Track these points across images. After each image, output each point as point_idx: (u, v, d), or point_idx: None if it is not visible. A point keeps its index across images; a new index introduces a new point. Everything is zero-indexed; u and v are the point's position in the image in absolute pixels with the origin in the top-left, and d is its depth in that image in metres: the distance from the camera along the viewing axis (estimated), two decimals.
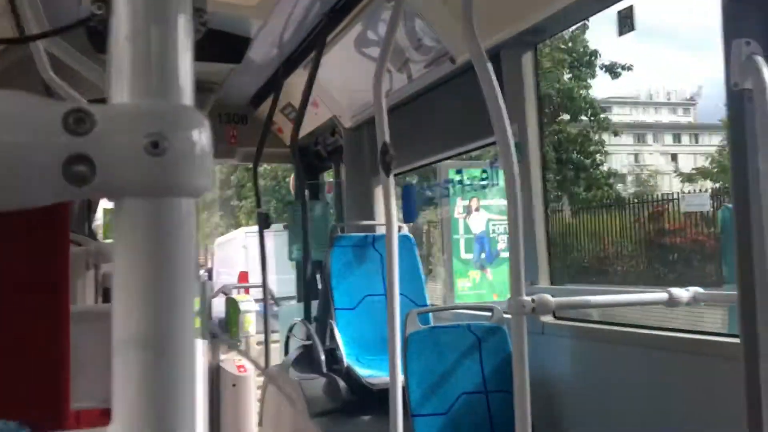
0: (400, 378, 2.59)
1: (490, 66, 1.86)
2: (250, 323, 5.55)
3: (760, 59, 1.60)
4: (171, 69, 0.43)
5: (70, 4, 2.55)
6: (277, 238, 7.28)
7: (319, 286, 4.48)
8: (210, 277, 12.75)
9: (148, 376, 0.39)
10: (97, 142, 0.40)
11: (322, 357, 3.77)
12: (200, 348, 4.87)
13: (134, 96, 0.42)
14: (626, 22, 2.64)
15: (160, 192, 0.41)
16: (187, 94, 0.43)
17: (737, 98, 1.66)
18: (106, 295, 2.86)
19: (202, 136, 0.42)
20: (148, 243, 0.40)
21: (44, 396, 1.40)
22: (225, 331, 5.42)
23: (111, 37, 0.42)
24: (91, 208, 6.08)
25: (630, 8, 2.62)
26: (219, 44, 4.07)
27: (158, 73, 0.42)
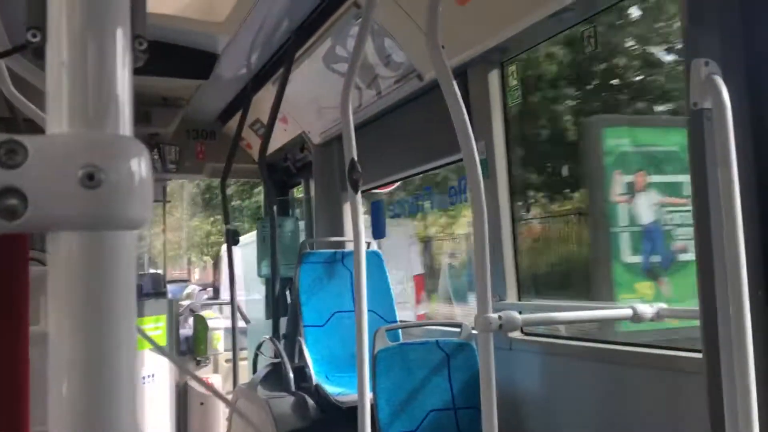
0: (369, 395, 2.58)
1: (455, 84, 1.87)
2: (219, 340, 5.49)
3: (718, 79, 1.63)
4: (108, 99, 0.41)
5: None
6: (244, 249, 7.11)
7: (288, 303, 4.45)
8: (217, 295, 12.40)
9: (84, 406, 0.39)
10: (29, 175, 0.38)
11: (291, 375, 3.74)
12: (167, 367, 4.79)
13: (70, 126, 0.41)
14: (590, 41, 2.69)
15: (96, 225, 0.40)
16: (125, 124, 0.42)
17: (697, 117, 1.69)
18: None
19: (140, 167, 0.41)
20: (84, 277, 0.39)
21: (2, 420, 1.36)
22: (192, 349, 5.35)
23: (47, 65, 0.42)
24: None
25: (593, 28, 2.67)
26: (186, 60, 4.05)
27: (94, 103, 0.41)
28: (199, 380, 4.62)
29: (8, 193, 0.38)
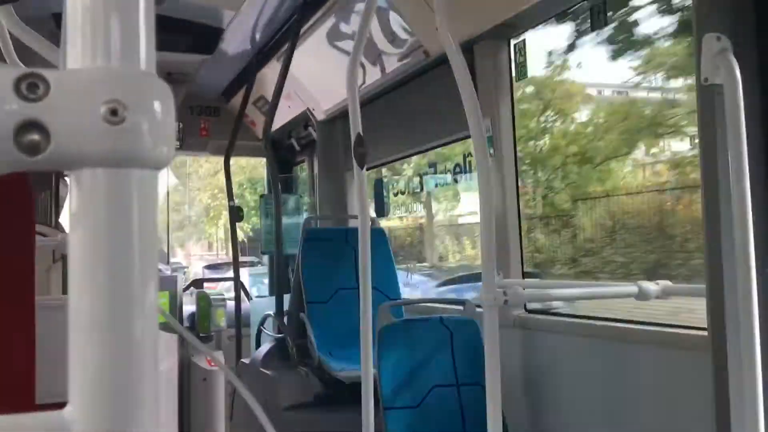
0: (372, 371, 2.58)
1: (463, 59, 1.86)
2: (222, 317, 5.51)
3: (730, 55, 1.62)
4: (131, 34, 0.40)
5: None
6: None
7: (292, 280, 4.46)
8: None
9: (106, 358, 0.38)
10: (51, 109, 0.38)
11: (294, 351, 3.76)
12: (171, 342, 4.81)
13: (91, 61, 0.40)
14: (599, 17, 2.66)
15: (120, 162, 0.39)
16: (149, 61, 0.41)
17: (707, 93, 1.67)
18: None
19: (164, 105, 0.40)
20: (107, 216, 0.38)
21: (8, 390, 1.37)
22: (196, 325, 5.37)
23: (66, 2, 0.40)
24: (57, 200, 5.98)
25: (603, 3, 2.64)
26: (190, 35, 4.03)
27: (117, 38, 0.40)
28: (211, 354, 4.64)
29: (30, 127, 0.37)
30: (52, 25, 1.97)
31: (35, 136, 0.37)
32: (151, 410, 0.39)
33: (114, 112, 0.38)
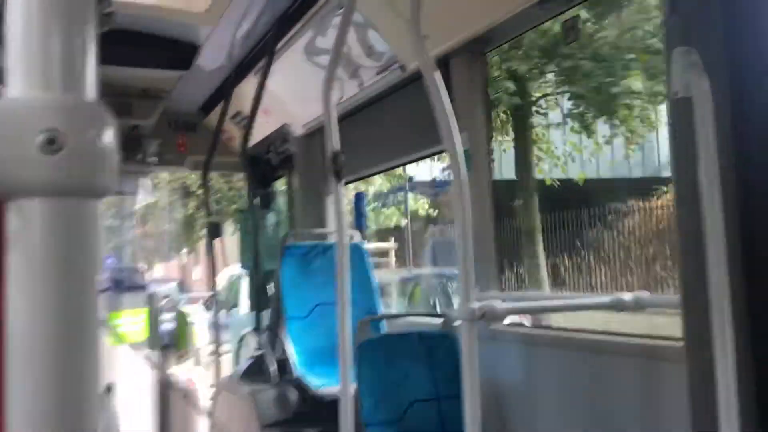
0: (352, 387, 2.57)
1: (438, 74, 1.86)
2: (200, 335, 5.46)
3: (700, 68, 1.64)
4: (70, 61, 0.40)
5: None
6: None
7: (271, 295, 4.43)
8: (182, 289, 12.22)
9: (45, 384, 0.37)
10: None
11: (273, 367, 3.73)
12: (150, 359, 4.76)
13: (30, 90, 0.39)
14: (571, 32, 2.69)
15: (57, 192, 0.38)
16: (89, 89, 0.41)
17: (678, 107, 1.69)
18: None
19: (104, 134, 0.39)
20: (46, 245, 0.38)
21: None
22: (174, 343, 5.32)
23: (7, 26, 0.40)
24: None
25: (576, 18, 2.66)
26: (167, 51, 4.01)
27: (57, 66, 0.39)
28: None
29: None
30: None
31: None
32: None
33: (51, 141, 0.37)
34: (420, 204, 19.77)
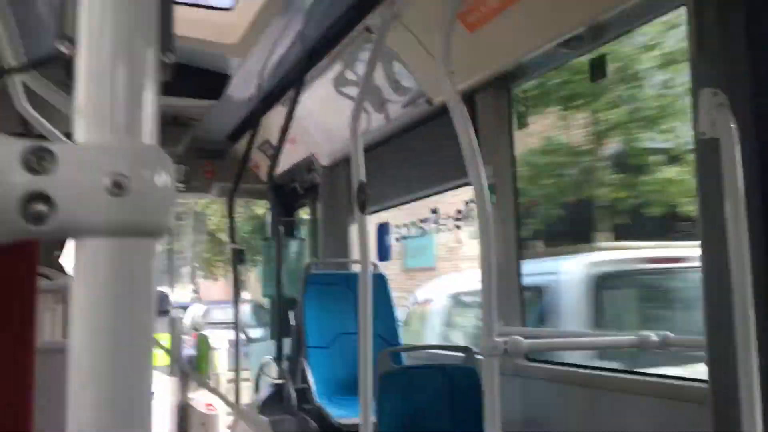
0: (372, 419, 2.56)
1: (464, 108, 1.88)
2: (220, 360, 5.48)
3: (727, 109, 1.64)
4: (135, 108, 0.43)
5: (47, 37, 2.55)
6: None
7: (292, 324, 4.44)
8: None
9: (105, 404, 0.39)
10: (57, 181, 0.40)
11: (293, 396, 3.72)
12: (169, 386, 4.78)
13: (97, 135, 0.42)
14: (599, 70, 2.71)
15: (122, 232, 0.41)
16: (151, 133, 0.43)
17: (704, 147, 1.70)
18: None
19: (165, 177, 0.42)
20: (107, 283, 0.40)
21: None
22: (195, 368, 5.34)
23: (76, 74, 0.43)
24: (62, 241, 6.00)
25: (603, 57, 2.69)
26: (198, 81, 4.10)
27: (122, 112, 0.42)
28: (223, 397, 4.59)
29: (37, 199, 0.39)
30: (63, 73, 2.01)
31: (41, 207, 0.39)
32: None
33: (117, 185, 0.40)
34: None
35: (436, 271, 11.25)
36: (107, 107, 0.42)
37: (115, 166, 0.40)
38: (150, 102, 0.43)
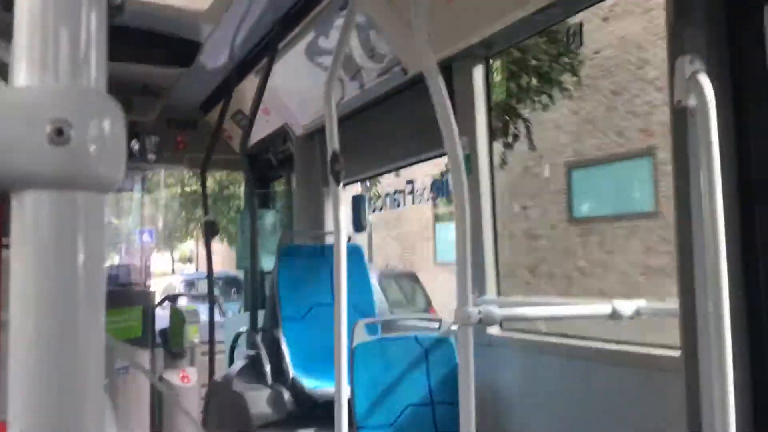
0: (346, 389, 2.56)
1: (440, 78, 1.85)
2: (195, 333, 5.44)
3: (703, 76, 1.63)
4: (79, 51, 0.38)
5: None
6: None
7: (267, 295, 4.42)
8: None
9: (49, 376, 0.36)
10: None
11: (268, 368, 3.71)
12: (144, 359, 4.74)
13: (37, 78, 0.38)
14: (575, 38, 2.68)
15: (65, 184, 0.37)
16: (99, 79, 0.39)
17: (680, 116, 1.69)
18: None
19: (113, 125, 0.38)
20: (51, 239, 0.37)
21: None
22: (168, 341, 5.29)
23: (16, 14, 0.39)
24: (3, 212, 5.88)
25: (579, 25, 2.66)
26: (168, 48, 4.00)
27: (65, 55, 0.38)
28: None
29: None
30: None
31: None
32: (95, 428, 0.37)
33: (59, 132, 0.36)
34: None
35: None
36: (48, 49, 0.38)
37: (56, 112, 0.36)
38: (96, 43, 0.39)
